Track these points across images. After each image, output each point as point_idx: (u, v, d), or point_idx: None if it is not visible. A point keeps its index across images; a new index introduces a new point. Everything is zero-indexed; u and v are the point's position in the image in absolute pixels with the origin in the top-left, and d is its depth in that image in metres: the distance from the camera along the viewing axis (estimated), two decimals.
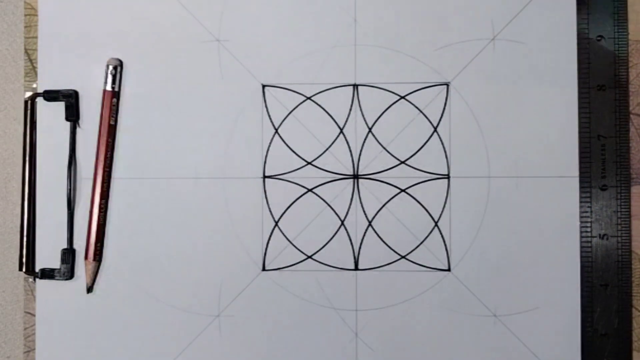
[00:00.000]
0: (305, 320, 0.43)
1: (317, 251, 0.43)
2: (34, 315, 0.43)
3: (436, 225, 0.43)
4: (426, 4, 0.43)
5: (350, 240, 0.43)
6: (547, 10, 0.43)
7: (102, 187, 0.43)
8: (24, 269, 0.43)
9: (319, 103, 0.43)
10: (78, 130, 0.44)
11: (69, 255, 0.43)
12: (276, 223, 0.43)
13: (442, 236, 0.43)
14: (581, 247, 0.42)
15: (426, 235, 0.43)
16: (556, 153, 0.43)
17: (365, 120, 0.43)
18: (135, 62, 0.44)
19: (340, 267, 0.43)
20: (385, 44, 0.43)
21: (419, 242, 0.43)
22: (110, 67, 0.43)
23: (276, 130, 0.43)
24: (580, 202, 0.43)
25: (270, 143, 0.43)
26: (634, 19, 0.43)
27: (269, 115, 0.43)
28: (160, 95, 0.44)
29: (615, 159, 0.43)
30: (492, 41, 0.43)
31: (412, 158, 0.43)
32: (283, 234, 0.43)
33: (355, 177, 0.43)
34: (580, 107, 0.43)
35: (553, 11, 0.43)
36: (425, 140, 0.43)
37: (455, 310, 0.43)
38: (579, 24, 0.43)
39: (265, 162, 0.43)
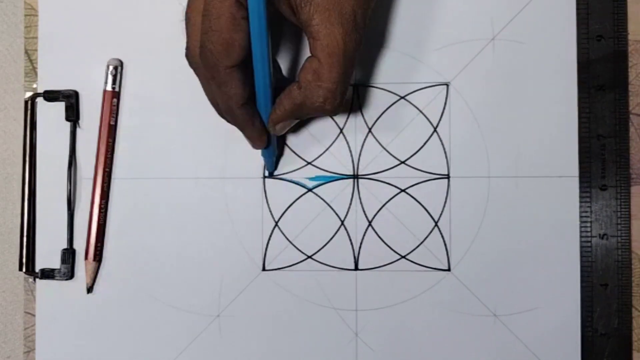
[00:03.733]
0: (305, 320, 0.43)
1: (317, 251, 0.43)
2: (34, 315, 0.43)
3: (436, 225, 0.43)
4: (426, 4, 0.43)
5: (350, 240, 0.43)
6: (547, 10, 0.43)
7: (102, 187, 0.43)
8: (24, 269, 0.43)
9: None
10: (78, 130, 0.44)
11: (69, 255, 0.43)
12: (276, 223, 0.43)
13: (442, 236, 0.43)
14: (581, 247, 0.42)
15: (426, 235, 0.43)
16: (556, 153, 0.43)
17: (365, 120, 0.43)
18: (135, 62, 0.44)
19: (340, 267, 0.43)
20: (385, 44, 0.43)
21: (419, 242, 0.43)
22: (110, 67, 0.43)
23: None
24: (580, 202, 0.43)
25: None
26: (634, 19, 0.43)
27: None
28: (160, 95, 0.44)
29: (615, 159, 0.43)
30: (492, 41, 0.43)
31: (412, 158, 0.43)
32: (283, 234, 0.43)
33: (355, 177, 0.43)
34: (580, 107, 0.43)
35: (553, 11, 0.43)
36: (425, 140, 0.43)
37: (455, 310, 0.43)
38: (579, 24, 0.43)
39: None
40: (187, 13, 0.37)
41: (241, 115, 0.38)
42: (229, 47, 0.35)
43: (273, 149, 0.42)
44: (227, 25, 0.34)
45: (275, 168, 0.43)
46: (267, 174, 0.43)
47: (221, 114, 0.39)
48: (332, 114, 0.37)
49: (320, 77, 0.35)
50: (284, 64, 0.43)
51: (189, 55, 0.37)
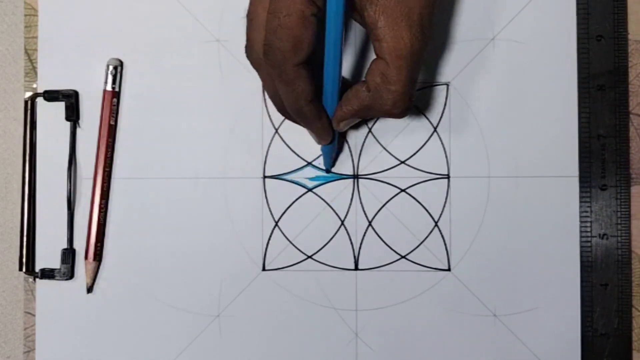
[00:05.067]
0: (305, 320, 0.43)
1: (317, 251, 0.43)
2: (34, 315, 0.43)
3: (436, 225, 0.43)
4: None
5: (350, 240, 0.43)
6: (547, 10, 0.43)
7: (102, 187, 0.43)
8: (24, 269, 0.43)
9: None
10: (78, 130, 0.44)
11: (69, 255, 0.43)
12: (276, 223, 0.43)
13: (442, 236, 0.43)
14: (581, 247, 0.42)
15: (426, 235, 0.43)
16: (556, 153, 0.43)
17: (365, 120, 0.43)
18: (135, 62, 0.44)
19: (340, 267, 0.43)
20: None
21: (419, 242, 0.43)
22: (110, 67, 0.43)
23: (276, 130, 0.43)
24: (580, 202, 0.43)
25: (270, 143, 0.43)
26: (634, 19, 0.43)
27: (269, 115, 0.43)
28: (160, 95, 0.44)
29: (615, 159, 0.43)
30: (492, 41, 0.43)
31: (412, 158, 0.43)
32: (283, 234, 0.43)
33: (355, 177, 0.43)
34: (580, 107, 0.43)
35: (553, 11, 0.43)
36: (425, 140, 0.43)
37: (455, 310, 0.43)
38: (578, 24, 0.43)
39: (265, 162, 0.43)
40: (250, 10, 0.36)
41: (309, 111, 0.37)
42: (298, 45, 0.34)
43: (334, 145, 0.41)
44: (298, 22, 0.34)
45: (333, 165, 0.43)
46: (318, 169, 0.43)
47: (282, 111, 0.39)
48: (399, 117, 0.37)
49: (389, 80, 0.35)
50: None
51: (250, 53, 0.37)
